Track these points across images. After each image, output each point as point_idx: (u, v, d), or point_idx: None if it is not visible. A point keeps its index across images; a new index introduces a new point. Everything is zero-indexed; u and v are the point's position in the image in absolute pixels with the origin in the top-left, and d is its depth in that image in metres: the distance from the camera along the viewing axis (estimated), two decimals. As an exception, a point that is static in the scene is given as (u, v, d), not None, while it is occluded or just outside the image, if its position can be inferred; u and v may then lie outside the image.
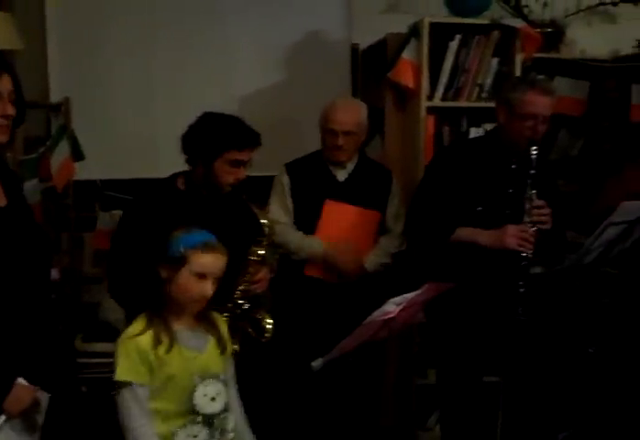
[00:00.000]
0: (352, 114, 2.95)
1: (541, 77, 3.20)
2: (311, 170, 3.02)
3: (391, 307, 2.28)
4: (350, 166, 3.02)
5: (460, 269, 2.67)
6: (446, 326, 2.81)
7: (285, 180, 3.01)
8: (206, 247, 2.03)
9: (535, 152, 2.63)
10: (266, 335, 2.49)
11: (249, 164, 2.43)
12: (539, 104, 2.61)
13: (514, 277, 2.64)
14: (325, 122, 2.96)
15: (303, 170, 3.02)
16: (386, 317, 2.29)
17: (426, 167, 2.90)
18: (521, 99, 2.61)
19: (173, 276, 2.02)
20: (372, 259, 2.98)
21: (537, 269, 2.87)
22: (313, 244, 2.94)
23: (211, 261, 2.03)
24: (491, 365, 2.97)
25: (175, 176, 2.48)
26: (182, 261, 2.01)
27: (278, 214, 2.98)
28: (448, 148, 2.94)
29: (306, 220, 2.98)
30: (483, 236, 2.64)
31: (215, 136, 2.36)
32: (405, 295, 2.32)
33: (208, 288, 2.03)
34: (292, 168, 3.04)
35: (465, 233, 2.66)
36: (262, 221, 2.53)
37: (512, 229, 2.60)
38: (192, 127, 2.41)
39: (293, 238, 2.95)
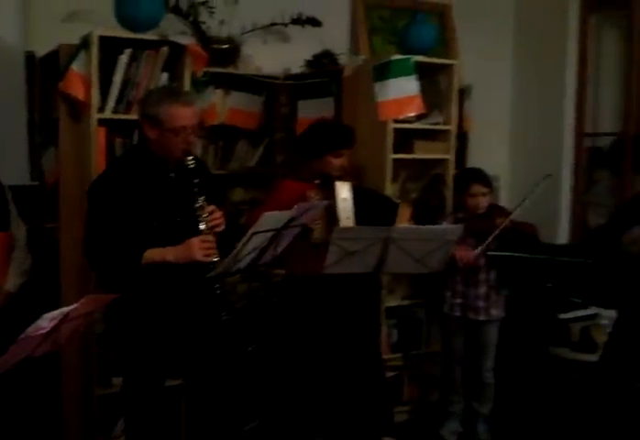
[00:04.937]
0: None
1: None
2: None
3: (44, 322, 2.27)
4: None
5: (144, 280, 2.72)
6: (130, 334, 2.83)
7: None
8: None
9: (191, 162, 2.74)
10: None
11: None
12: (187, 115, 2.69)
13: (206, 282, 2.72)
14: None
15: None
16: (39, 332, 2.28)
17: (88, 195, 2.78)
18: (168, 114, 2.66)
19: None
20: (13, 281, 2.99)
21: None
22: None
23: None
24: (175, 368, 3.08)
25: None
26: None
27: None
28: (105, 174, 2.85)
29: None
30: (172, 255, 2.68)
31: None
32: (62, 309, 2.33)
33: None
34: None
35: (153, 255, 2.68)
36: None
37: (195, 242, 2.68)
38: None
39: None
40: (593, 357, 3.62)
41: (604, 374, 3.21)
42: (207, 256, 2.69)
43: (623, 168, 4.49)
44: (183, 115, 2.70)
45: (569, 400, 3.76)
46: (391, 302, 3.85)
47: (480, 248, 3.48)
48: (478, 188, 3.58)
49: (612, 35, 4.69)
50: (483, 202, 3.59)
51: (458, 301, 3.66)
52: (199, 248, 2.67)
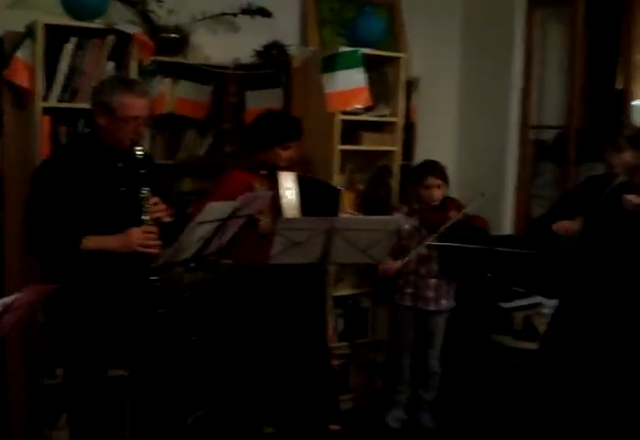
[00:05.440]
0: None
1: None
2: None
3: (-17, 312, 2.27)
4: None
5: (85, 270, 2.71)
6: (69, 325, 2.82)
7: None
8: None
9: (139, 152, 2.74)
10: None
11: None
12: (139, 106, 2.71)
13: (147, 273, 2.73)
14: None
15: None
16: (-19, 323, 2.27)
17: (31, 179, 2.77)
18: (120, 102, 2.68)
19: None
20: None
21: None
22: None
23: None
24: (117, 359, 3.07)
25: None
26: None
27: None
28: (50, 159, 2.84)
29: None
30: (111, 243, 2.69)
31: None
32: (4, 299, 2.31)
33: None
34: None
35: (92, 242, 2.67)
36: None
37: (136, 232, 2.68)
38: None
39: None
40: (535, 346, 3.71)
41: (543, 360, 3.30)
42: (146, 246, 2.69)
43: (566, 161, 4.60)
44: (137, 105, 2.72)
45: (511, 387, 3.86)
46: (340, 291, 3.90)
47: (403, 260, 3.54)
48: (432, 180, 3.63)
49: (557, 30, 4.77)
50: (438, 194, 3.64)
51: (409, 290, 3.72)
52: (137, 238, 2.68)
